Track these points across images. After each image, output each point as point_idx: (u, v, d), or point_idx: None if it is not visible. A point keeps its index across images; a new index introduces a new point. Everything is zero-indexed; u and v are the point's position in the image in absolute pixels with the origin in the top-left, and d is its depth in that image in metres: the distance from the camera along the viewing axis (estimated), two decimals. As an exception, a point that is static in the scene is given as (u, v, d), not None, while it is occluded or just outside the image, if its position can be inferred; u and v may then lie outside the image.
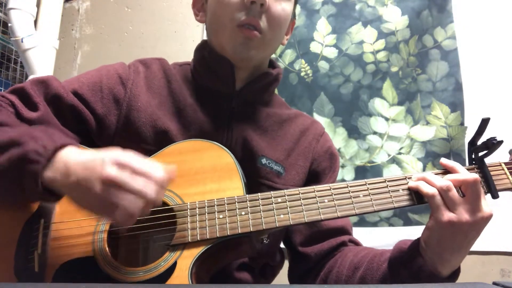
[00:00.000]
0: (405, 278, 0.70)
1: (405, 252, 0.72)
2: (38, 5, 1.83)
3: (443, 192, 0.65)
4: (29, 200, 0.70)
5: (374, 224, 1.64)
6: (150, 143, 0.80)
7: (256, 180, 0.83)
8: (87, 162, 0.59)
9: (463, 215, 0.64)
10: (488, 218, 0.66)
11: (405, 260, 0.71)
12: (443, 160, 0.71)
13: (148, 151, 0.77)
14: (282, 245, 0.97)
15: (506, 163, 0.72)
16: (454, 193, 0.65)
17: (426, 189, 0.66)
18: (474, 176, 0.66)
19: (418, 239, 0.72)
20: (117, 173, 0.56)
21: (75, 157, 0.60)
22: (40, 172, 0.60)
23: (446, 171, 0.70)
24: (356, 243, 0.90)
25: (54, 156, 0.61)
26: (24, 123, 0.73)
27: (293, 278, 0.93)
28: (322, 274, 0.86)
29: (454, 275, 0.70)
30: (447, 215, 0.65)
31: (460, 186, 0.67)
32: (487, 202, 0.66)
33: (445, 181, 0.66)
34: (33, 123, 0.74)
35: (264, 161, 0.84)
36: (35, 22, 1.82)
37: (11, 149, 0.61)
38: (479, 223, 0.65)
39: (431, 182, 0.67)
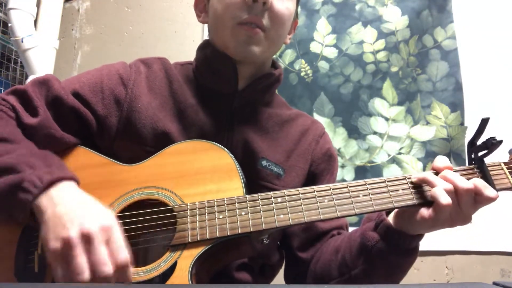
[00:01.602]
0: (375, 241, 0.72)
1: (373, 221, 0.75)
2: (38, 5, 1.82)
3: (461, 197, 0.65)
4: (16, 222, 0.70)
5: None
6: (151, 144, 0.79)
7: (256, 182, 0.83)
8: (80, 206, 0.60)
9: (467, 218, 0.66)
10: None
11: (375, 228, 0.74)
12: (414, 178, 0.70)
13: (148, 152, 0.77)
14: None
15: (505, 163, 0.72)
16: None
17: (447, 201, 0.64)
18: (469, 186, 0.65)
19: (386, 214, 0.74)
20: (96, 232, 0.56)
21: (72, 195, 0.62)
22: (31, 201, 0.60)
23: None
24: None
25: (49, 188, 0.61)
26: (25, 129, 0.74)
27: (289, 278, 0.94)
28: (311, 265, 0.87)
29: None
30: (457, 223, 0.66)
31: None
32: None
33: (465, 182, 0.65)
34: (34, 129, 0.74)
35: (264, 163, 0.84)
36: (35, 22, 1.82)
37: (7, 175, 0.62)
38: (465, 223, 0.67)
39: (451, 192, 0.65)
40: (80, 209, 0.59)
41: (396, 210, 0.72)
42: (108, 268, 0.55)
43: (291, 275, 0.93)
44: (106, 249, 0.56)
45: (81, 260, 0.55)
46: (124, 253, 0.57)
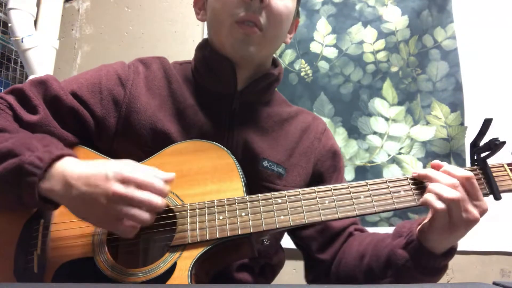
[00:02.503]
0: (405, 260, 0.71)
1: (404, 238, 0.74)
2: (38, 5, 1.82)
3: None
4: (26, 208, 0.71)
5: (375, 224, 1.64)
6: (150, 145, 0.79)
7: (257, 182, 0.82)
8: (89, 176, 0.60)
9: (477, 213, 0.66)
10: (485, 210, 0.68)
11: (404, 246, 0.73)
12: (415, 174, 0.71)
13: (148, 153, 0.77)
14: (284, 245, 0.97)
15: (508, 164, 0.72)
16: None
17: (452, 194, 0.65)
18: (469, 174, 0.66)
19: (415, 227, 0.73)
20: (123, 189, 0.58)
21: (73, 169, 0.62)
22: (37, 184, 0.61)
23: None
24: (361, 230, 0.91)
25: (51, 167, 0.62)
26: (24, 126, 0.73)
27: (312, 281, 0.94)
28: (333, 267, 0.87)
29: (451, 250, 0.71)
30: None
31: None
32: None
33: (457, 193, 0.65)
34: (33, 126, 0.74)
35: (265, 163, 0.83)
36: (35, 22, 1.82)
37: (7, 160, 0.62)
38: (472, 225, 0.67)
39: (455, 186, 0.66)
40: (92, 178, 0.60)
41: (420, 225, 0.72)
42: (156, 202, 0.60)
43: (312, 277, 0.93)
44: (142, 191, 0.60)
45: (132, 213, 0.59)
46: (157, 181, 0.61)
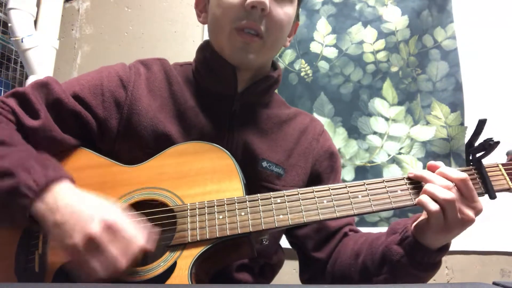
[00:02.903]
0: (400, 256, 0.72)
1: (398, 234, 0.74)
2: (38, 5, 1.82)
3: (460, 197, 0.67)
4: (17, 227, 0.71)
5: (374, 224, 1.64)
6: (151, 146, 0.79)
7: (257, 183, 0.83)
8: (77, 210, 0.60)
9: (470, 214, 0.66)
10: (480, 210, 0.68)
11: (399, 242, 0.73)
12: (411, 174, 0.71)
13: (149, 154, 0.77)
14: (282, 245, 0.97)
15: (503, 164, 0.73)
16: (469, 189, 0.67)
17: (445, 194, 0.65)
18: (463, 175, 0.67)
19: (409, 223, 0.74)
20: (99, 234, 0.58)
21: (65, 197, 0.62)
22: (29, 206, 0.61)
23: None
24: (356, 231, 0.92)
25: (45, 191, 0.62)
26: (26, 132, 0.73)
27: (307, 280, 0.94)
28: (328, 267, 0.88)
29: (446, 246, 0.72)
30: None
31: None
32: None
33: (450, 193, 0.66)
34: (35, 131, 0.74)
35: (265, 164, 0.84)
36: (35, 22, 1.82)
37: (3, 179, 0.62)
38: (468, 224, 0.67)
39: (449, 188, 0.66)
40: (79, 212, 0.60)
41: (416, 222, 0.72)
42: (120, 264, 0.58)
43: (307, 277, 0.94)
44: (115, 246, 0.58)
45: (92, 264, 0.57)
46: (135, 244, 0.60)
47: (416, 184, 0.71)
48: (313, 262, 0.91)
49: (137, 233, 0.61)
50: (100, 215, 0.60)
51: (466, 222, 0.66)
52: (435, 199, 0.66)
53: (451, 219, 0.65)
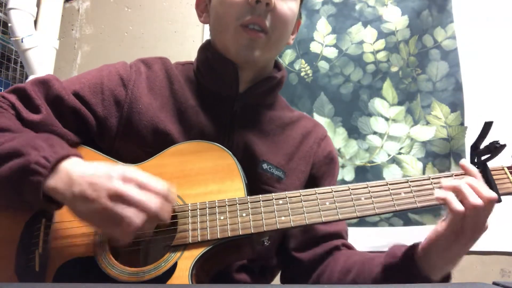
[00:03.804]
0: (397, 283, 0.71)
1: (399, 259, 0.72)
2: (38, 5, 1.82)
3: (473, 212, 0.64)
4: (30, 207, 0.71)
5: (374, 224, 1.64)
6: (151, 145, 0.79)
7: (256, 185, 0.82)
8: (92, 175, 0.60)
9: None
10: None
11: (400, 267, 0.72)
12: (463, 162, 0.70)
13: (149, 153, 0.77)
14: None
15: (509, 167, 0.72)
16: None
17: (458, 206, 0.64)
18: (494, 196, 0.65)
19: (412, 246, 0.72)
20: (123, 187, 0.58)
21: (78, 169, 0.62)
22: (42, 183, 0.61)
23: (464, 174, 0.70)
24: (349, 247, 0.89)
25: (57, 166, 0.62)
26: (26, 126, 0.73)
27: (285, 281, 0.93)
28: (314, 276, 0.85)
29: (445, 279, 0.70)
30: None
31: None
32: None
33: (478, 200, 0.64)
34: (36, 125, 0.74)
35: (265, 166, 0.83)
36: (35, 22, 1.82)
37: (12, 159, 0.62)
38: (479, 237, 0.66)
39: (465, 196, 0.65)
40: (95, 176, 0.60)
41: (423, 245, 0.71)
42: (154, 205, 0.58)
43: (287, 278, 0.92)
44: (142, 192, 0.59)
45: (126, 213, 0.57)
46: (158, 185, 0.60)
47: (419, 186, 0.70)
48: (292, 261, 0.88)
49: (157, 181, 0.61)
50: (116, 172, 0.60)
51: (480, 231, 0.65)
52: (463, 200, 0.64)
53: (469, 224, 0.64)
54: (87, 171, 0.61)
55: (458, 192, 0.65)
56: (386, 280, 0.72)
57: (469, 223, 0.64)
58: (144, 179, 0.60)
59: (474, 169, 0.69)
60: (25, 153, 0.62)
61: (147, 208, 0.58)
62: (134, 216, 0.57)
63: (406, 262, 0.71)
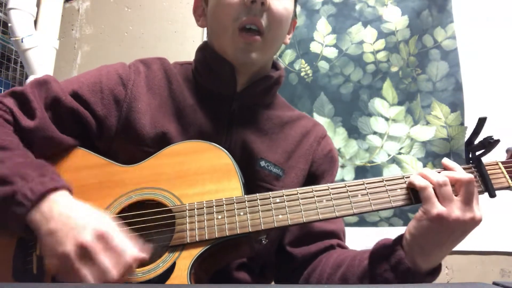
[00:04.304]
0: (383, 271, 0.70)
1: (388, 246, 0.72)
2: (38, 5, 1.83)
3: (437, 186, 0.66)
4: (10, 234, 0.71)
5: (374, 224, 1.64)
6: (150, 145, 0.79)
7: (255, 183, 0.82)
8: (70, 217, 0.60)
9: (454, 211, 0.65)
10: (477, 222, 0.66)
11: (386, 253, 0.71)
12: (445, 160, 0.72)
13: (147, 153, 0.77)
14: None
15: (503, 162, 0.73)
16: (448, 188, 0.66)
17: (419, 181, 0.67)
18: (470, 176, 0.66)
19: (402, 234, 0.72)
20: (92, 244, 0.57)
21: (61, 206, 0.61)
22: (25, 214, 0.60)
23: (445, 170, 0.71)
24: (343, 247, 0.89)
25: (42, 199, 0.61)
26: (22, 133, 0.73)
27: (277, 276, 0.92)
28: (305, 273, 0.85)
29: (434, 272, 0.70)
30: (437, 208, 0.65)
31: (455, 184, 0.67)
32: (479, 207, 0.67)
33: (441, 176, 0.67)
34: (31, 132, 0.73)
35: (263, 163, 0.83)
36: (35, 22, 1.82)
37: (1, 186, 0.62)
38: (468, 223, 0.65)
39: (427, 176, 0.67)
40: (73, 220, 0.59)
41: (409, 232, 0.70)
42: (111, 275, 0.57)
43: (280, 273, 0.92)
44: (107, 256, 0.57)
45: (83, 273, 0.56)
46: (126, 254, 0.58)
47: None
48: (286, 257, 0.88)
49: (130, 244, 0.60)
50: (93, 224, 0.59)
51: (469, 223, 0.65)
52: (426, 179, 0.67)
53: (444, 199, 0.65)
54: (68, 212, 0.61)
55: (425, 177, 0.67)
56: (373, 269, 0.72)
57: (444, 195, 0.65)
58: (117, 242, 0.59)
59: (455, 165, 0.70)
60: (12, 182, 0.61)
61: (105, 274, 0.57)
62: (88, 276, 0.57)
63: (393, 248, 0.71)
